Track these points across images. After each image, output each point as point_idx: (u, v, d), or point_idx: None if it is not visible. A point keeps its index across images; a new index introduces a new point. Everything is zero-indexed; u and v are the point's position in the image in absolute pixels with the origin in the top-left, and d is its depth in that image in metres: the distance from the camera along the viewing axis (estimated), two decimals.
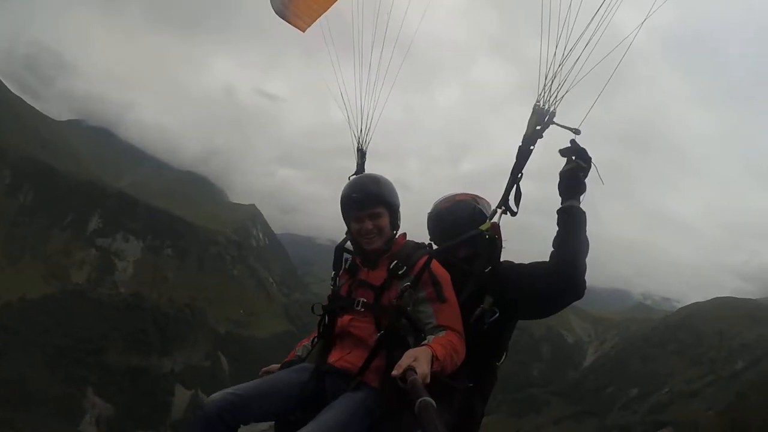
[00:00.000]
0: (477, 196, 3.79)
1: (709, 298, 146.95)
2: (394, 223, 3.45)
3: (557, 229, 3.14)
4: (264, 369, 3.63)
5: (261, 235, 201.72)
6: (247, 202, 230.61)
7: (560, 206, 3.14)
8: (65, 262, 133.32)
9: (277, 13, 5.07)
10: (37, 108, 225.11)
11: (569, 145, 3.15)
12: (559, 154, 3.22)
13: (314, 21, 4.94)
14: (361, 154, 4.55)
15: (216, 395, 2.91)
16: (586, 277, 3.10)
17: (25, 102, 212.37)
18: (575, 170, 3.13)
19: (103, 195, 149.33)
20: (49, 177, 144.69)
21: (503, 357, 3.48)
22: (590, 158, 3.13)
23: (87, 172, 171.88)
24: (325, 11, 4.86)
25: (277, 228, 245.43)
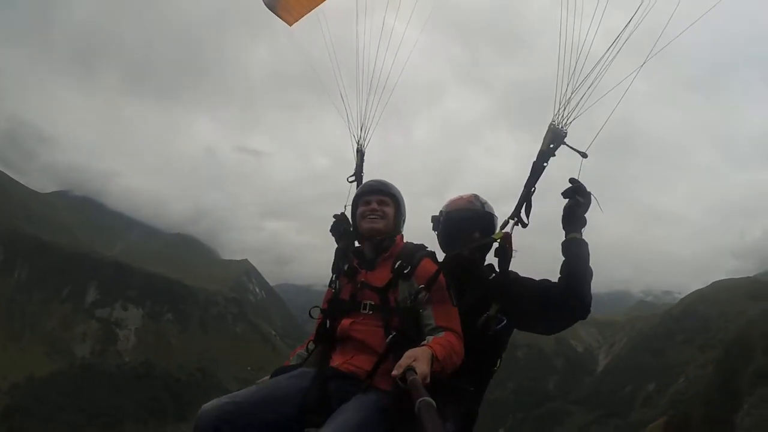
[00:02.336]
0: (478, 196, 3.95)
1: (708, 284, 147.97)
2: (398, 222, 3.57)
3: (563, 258, 3.36)
4: (259, 381, 3.50)
5: (257, 289, 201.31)
6: (239, 258, 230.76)
7: (564, 238, 3.39)
8: (67, 337, 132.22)
9: (266, 5, 5.05)
10: (22, 182, 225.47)
11: (569, 184, 3.40)
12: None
13: (302, 16, 4.96)
14: (360, 155, 4.51)
15: (209, 404, 2.81)
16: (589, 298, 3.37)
17: (8, 177, 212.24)
18: (575, 207, 3.35)
19: (98, 265, 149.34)
20: (41, 251, 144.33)
21: (499, 362, 3.60)
22: (589, 194, 3.37)
23: (78, 243, 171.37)
24: (315, 7, 4.86)
25: (272, 280, 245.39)
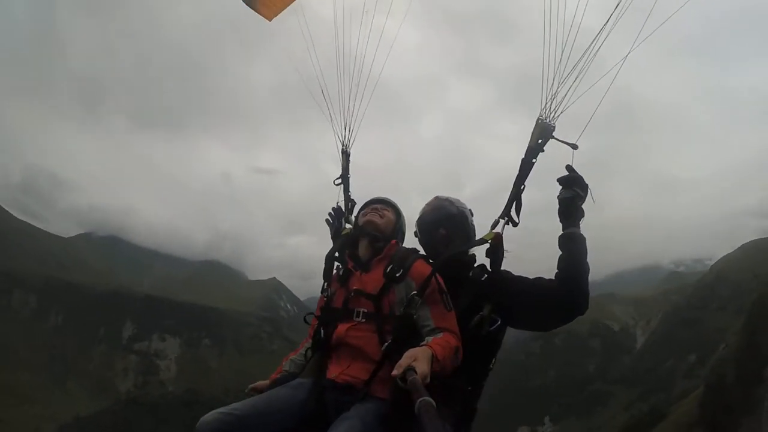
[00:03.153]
0: (440, 196, 3.96)
1: (737, 247, 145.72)
2: (396, 231, 3.63)
3: (560, 253, 3.30)
4: (252, 386, 3.56)
5: (288, 305, 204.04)
6: (266, 277, 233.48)
7: (562, 232, 3.31)
8: (109, 374, 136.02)
9: (244, 2, 5.00)
10: (46, 229, 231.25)
11: (566, 172, 3.31)
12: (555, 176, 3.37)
13: (281, 11, 4.89)
14: (346, 156, 4.46)
15: (208, 416, 2.77)
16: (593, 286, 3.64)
17: (31, 225, 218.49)
18: (572, 198, 3.26)
19: (130, 300, 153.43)
20: (73, 294, 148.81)
21: (494, 360, 3.57)
22: (587, 185, 3.30)
23: (108, 282, 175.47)
24: (292, 2, 4.83)
25: (302, 294, 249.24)
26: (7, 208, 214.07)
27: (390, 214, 3.62)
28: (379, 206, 3.65)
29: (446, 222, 3.74)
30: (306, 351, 3.56)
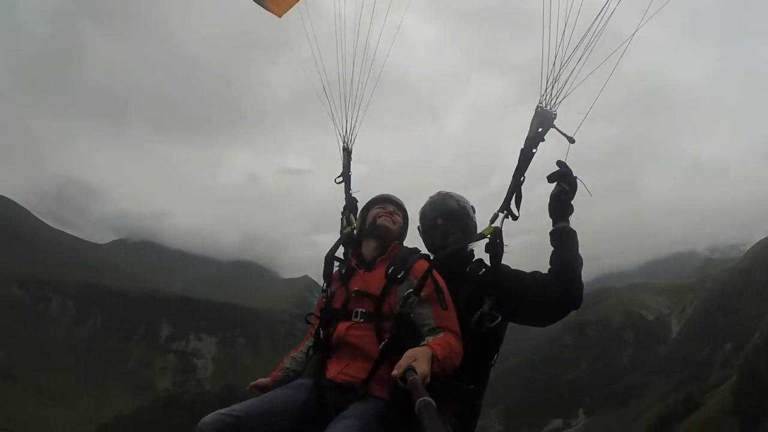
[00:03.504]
0: (441, 191, 3.97)
1: None
2: (402, 234, 3.68)
3: (552, 249, 3.29)
4: (253, 384, 3.60)
5: None
6: (299, 275, 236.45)
7: (552, 228, 3.30)
8: (147, 373, 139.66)
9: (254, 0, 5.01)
10: (80, 237, 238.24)
11: (557, 167, 3.27)
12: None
13: (291, 7, 4.85)
14: (347, 154, 4.45)
15: (208, 417, 2.78)
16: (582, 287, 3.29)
17: (66, 234, 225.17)
18: (561, 194, 3.24)
19: (166, 302, 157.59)
20: (110, 298, 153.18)
21: (496, 356, 3.57)
22: (575, 180, 3.26)
23: (143, 285, 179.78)
24: None
25: None
26: (42, 218, 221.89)
27: (400, 219, 3.67)
28: (392, 209, 3.65)
29: (445, 215, 3.74)
30: (307, 350, 3.59)
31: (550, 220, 3.34)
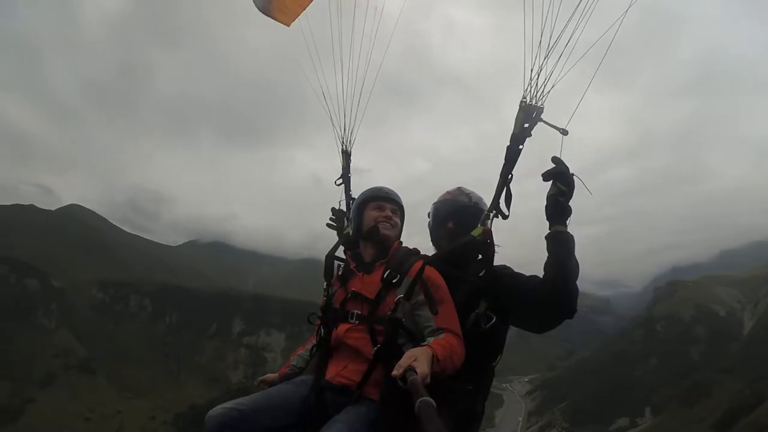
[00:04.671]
0: (462, 188, 3.85)
1: None
2: (399, 233, 3.59)
3: (547, 254, 3.12)
4: (261, 378, 3.71)
5: None
6: None
7: (548, 232, 3.12)
8: (221, 366, 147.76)
9: (260, 10, 5.00)
10: (154, 240, 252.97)
11: (552, 165, 3.09)
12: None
13: (298, 15, 4.83)
14: (346, 156, 4.46)
15: (215, 410, 2.90)
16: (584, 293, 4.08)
17: (141, 238, 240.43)
18: (557, 195, 3.07)
19: (238, 300, 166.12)
20: (185, 296, 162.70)
21: (498, 357, 3.47)
22: (572, 178, 3.08)
23: (215, 284, 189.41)
24: (309, 4, 4.78)
25: None
26: (118, 225, 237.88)
27: (399, 221, 3.58)
28: (389, 211, 3.54)
29: (457, 214, 3.67)
30: (312, 348, 3.67)
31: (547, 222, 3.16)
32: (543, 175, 3.10)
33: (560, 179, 3.08)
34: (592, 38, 2.99)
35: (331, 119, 4.36)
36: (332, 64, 4.26)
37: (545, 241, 3.14)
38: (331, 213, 4.30)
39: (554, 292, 3.05)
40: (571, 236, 3.10)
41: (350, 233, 3.76)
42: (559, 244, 3.08)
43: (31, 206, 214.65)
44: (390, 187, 3.70)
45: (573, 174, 3.08)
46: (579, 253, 3.08)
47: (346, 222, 4.18)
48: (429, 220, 3.90)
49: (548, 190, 3.13)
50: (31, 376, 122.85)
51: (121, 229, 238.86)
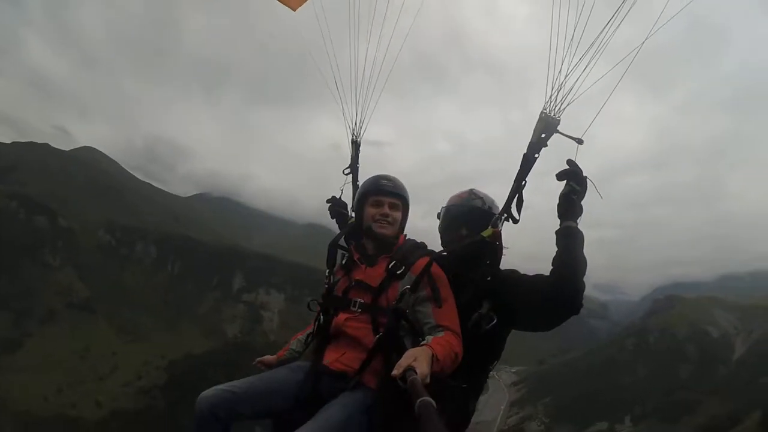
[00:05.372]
0: (475, 191, 3.84)
1: None
2: (403, 225, 3.52)
3: (556, 249, 3.15)
4: (259, 360, 3.66)
5: None
6: None
7: (558, 227, 3.17)
8: (218, 319, 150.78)
9: None
10: (165, 189, 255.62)
11: (567, 166, 3.18)
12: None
13: (305, 0, 4.78)
14: (356, 147, 4.47)
15: (208, 392, 2.86)
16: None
17: (154, 186, 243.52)
18: (570, 194, 3.15)
19: (242, 256, 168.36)
20: (189, 247, 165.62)
21: (496, 362, 3.51)
22: (585, 179, 3.17)
23: (221, 238, 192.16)
24: None
25: None
26: (132, 172, 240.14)
27: (399, 214, 3.48)
28: (388, 207, 3.46)
29: (469, 217, 3.68)
30: (309, 334, 3.60)
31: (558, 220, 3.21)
32: (557, 174, 3.21)
33: (573, 179, 3.19)
34: (615, 51, 3.13)
35: (342, 110, 4.38)
36: (345, 55, 4.21)
37: (555, 236, 3.21)
38: (331, 202, 4.38)
39: (561, 286, 3.09)
40: (581, 232, 3.18)
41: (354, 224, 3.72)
42: (569, 238, 3.15)
43: (46, 145, 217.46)
44: (393, 175, 3.61)
45: (586, 177, 3.21)
46: (585, 254, 3.19)
47: (350, 211, 4.15)
48: (439, 215, 3.93)
49: (562, 189, 3.23)
50: (32, 310, 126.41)
51: (133, 176, 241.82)
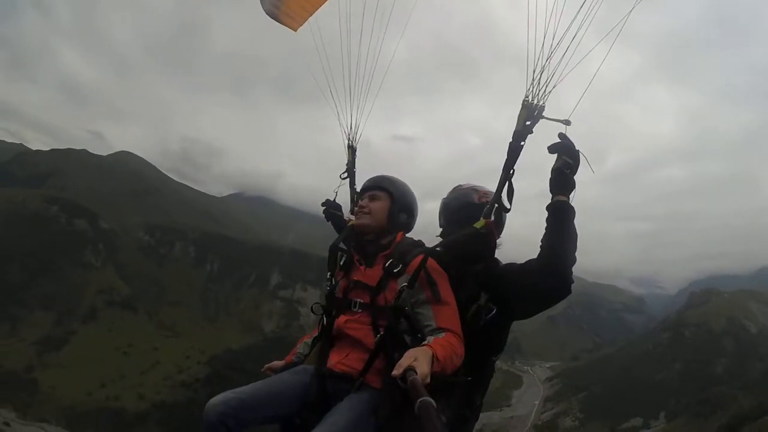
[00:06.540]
0: (476, 189, 3.74)
1: None
2: (395, 217, 3.45)
3: (545, 225, 3.09)
4: (267, 366, 3.66)
5: None
6: None
7: (550, 202, 3.10)
8: (256, 315, 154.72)
9: (267, 14, 4.95)
10: (201, 190, 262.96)
11: (558, 140, 3.13)
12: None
13: (306, 20, 4.77)
14: (352, 151, 4.49)
15: (216, 398, 2.86)
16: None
17: (190, 188, 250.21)
18: (563, 167, 3.10)
19: (278, 253, 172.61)
20: (227, 246, 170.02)
21: (499, 354, 3.47)
22: (578, 153, 3.11)
23: (257, 236, 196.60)
24: (317, 10, 4.71)
25: None
26: (168, 174, 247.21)
27: (380, 204, 3.45)
28: (366, 198, 3.50)
29: (464, 211, 3.60)
30: (314, 338, 3.58)
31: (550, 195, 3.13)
32: (549, 147, 3.15)
33: (566, 152, 3.12)
34: (596, 39, 3.06)
35: (338, 116, 4.41)
36: (339, 64, 4.27)
37: (546, 211, 3.14)
38: (326, 205, 4.40)
39: (552, 257, 3.04)
40: (572, 207, 3.10)
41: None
42: (560, 213, 3.08)
43: (84, 151, 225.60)
44: (384, 174, 3.65)
45: (578, 150, 3.13)
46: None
47: (345, 214, 4.25)
48: (440, 218, 3.87)
49: (554, 164, 3.17)
50: (75, 309, 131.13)
51: (170, 177, 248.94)
